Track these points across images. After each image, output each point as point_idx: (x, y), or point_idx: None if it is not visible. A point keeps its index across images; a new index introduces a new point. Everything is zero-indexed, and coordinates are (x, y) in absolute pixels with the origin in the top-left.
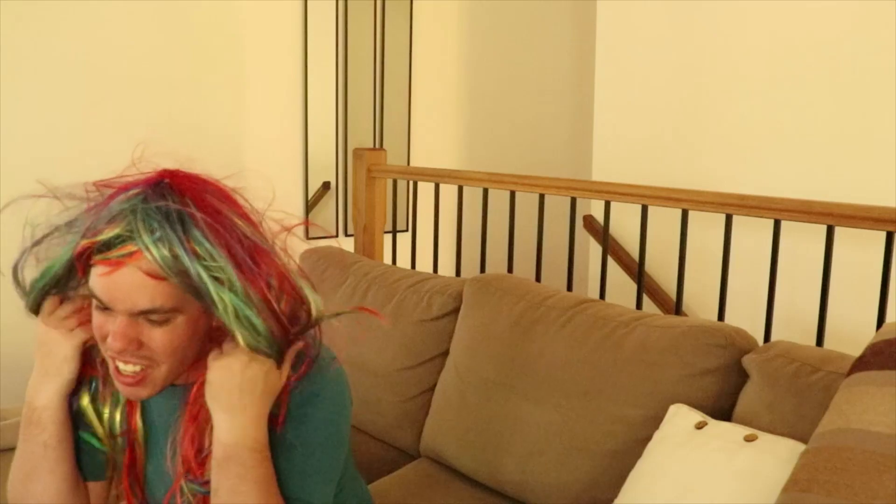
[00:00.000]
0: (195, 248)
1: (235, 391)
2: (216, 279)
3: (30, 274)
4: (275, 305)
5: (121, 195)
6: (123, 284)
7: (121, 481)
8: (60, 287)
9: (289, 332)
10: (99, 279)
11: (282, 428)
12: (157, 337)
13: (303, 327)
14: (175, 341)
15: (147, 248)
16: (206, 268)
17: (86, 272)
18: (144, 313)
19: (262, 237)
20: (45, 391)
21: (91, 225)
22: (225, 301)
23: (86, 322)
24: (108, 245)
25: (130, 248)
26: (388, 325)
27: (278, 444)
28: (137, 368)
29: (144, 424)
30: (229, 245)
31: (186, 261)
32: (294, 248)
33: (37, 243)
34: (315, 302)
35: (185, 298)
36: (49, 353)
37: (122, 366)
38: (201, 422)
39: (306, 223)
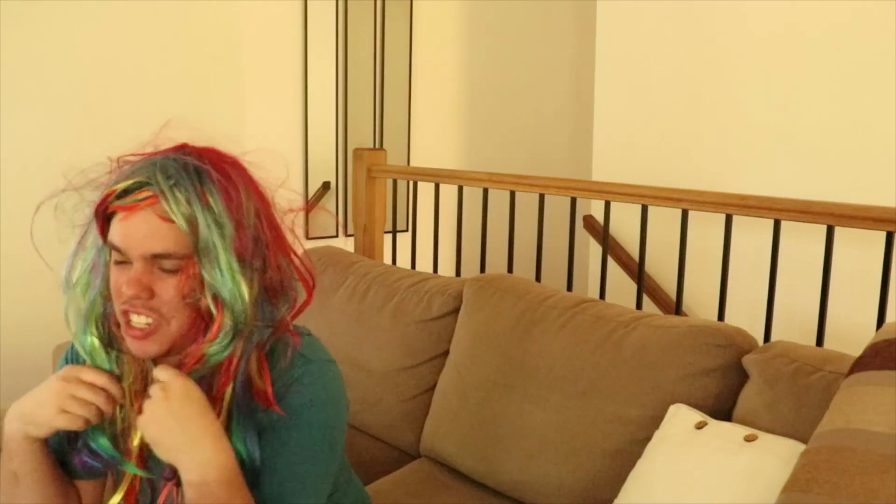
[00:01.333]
0: (208, 199)
1: (178, 434)
2: (221, 236)
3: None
4: (257, 284)
5: (142, 161)
6: (139, 228)
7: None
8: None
9: (255, 319)
10: (117, 224)
11: (276, 407)
12: (169, 287)
13: (268, 322)
14: (185, 293)
15: (162, 193)
16: (216, 222)
17: (104, 230)
18: (158, 257)
19: (270, 218)
20: (17, 427)
21: (111, 181)
22: (223, 258)
23: (84, 425)
24: (126, 191)
25: (147, 192)
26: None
27: (271, 451)
28: (149, 321)
29: None
30: (240, 213)
31: (198, 209)
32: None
33: (82, 237)
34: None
35: (193, 247)
36: (39, 407)
37: (134, 318)
38: None
39: (314, 206)
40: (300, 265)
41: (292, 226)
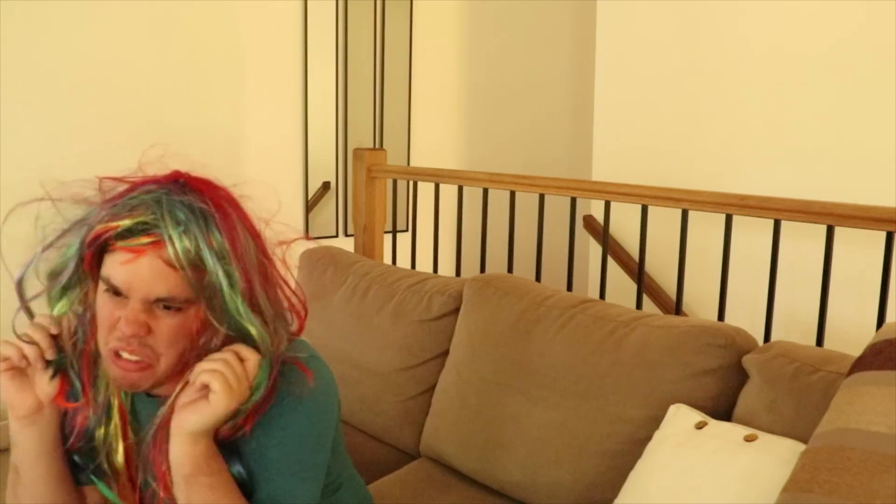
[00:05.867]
0: (214, 245)
1: (202, 463)
2: (230, 280)
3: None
4: (270, 319)
5: (137, 189)
6: (144, 272)
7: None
8: (67, 288)
9: (278, 348)
10: (120, 266)
11: (254, 431)
12: (165, 326)
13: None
14: (181, 332)
15: (171, 238)
16: (224, 269)
17: (92, 262)
18: (160, 301)
19: (264, 251)
20: (16, 429)
21: (108, 213)
22: (235, 303)
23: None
24: (130, 231)
25: (155, 236)
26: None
27: (253, 449)
28: (140, 358)
29: (134, 433)
30: (242, 254)
31: (207, 256)
32: (294, 250)
33: (47, 247)
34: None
35: (197, 293)
36: (10, 408)
37: (125, 354)
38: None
39: (307, 238)
40: (292, 296)
41: (283, 257)
